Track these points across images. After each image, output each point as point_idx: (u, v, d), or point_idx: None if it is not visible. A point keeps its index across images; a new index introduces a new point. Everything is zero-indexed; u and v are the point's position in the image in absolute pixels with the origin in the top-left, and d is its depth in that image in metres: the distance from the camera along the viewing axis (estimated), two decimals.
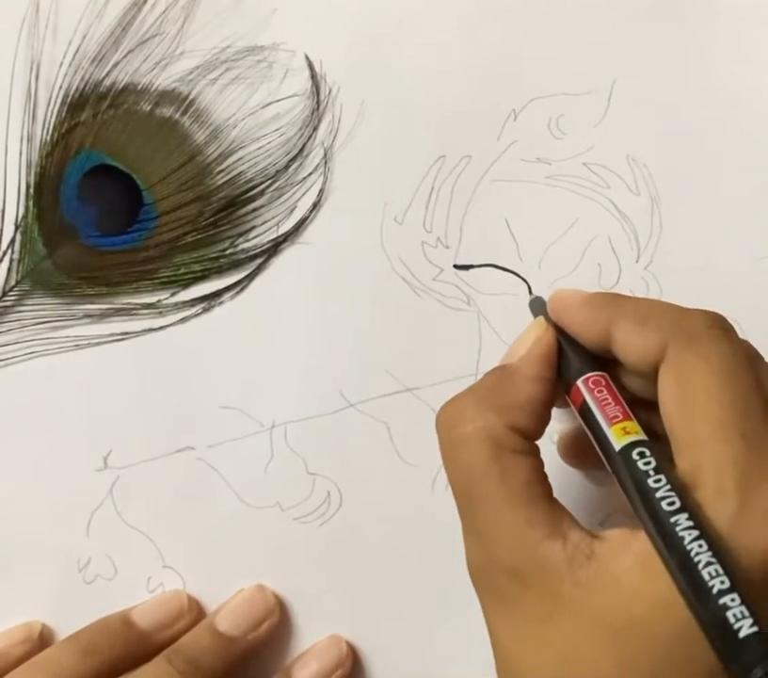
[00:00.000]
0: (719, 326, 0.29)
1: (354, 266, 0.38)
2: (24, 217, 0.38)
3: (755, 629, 0.25)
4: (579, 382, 0.30)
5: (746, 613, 0.25)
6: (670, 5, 0.39)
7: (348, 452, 0.38)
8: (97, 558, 0.38)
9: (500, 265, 0.38)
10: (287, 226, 0.38)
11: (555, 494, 0.29)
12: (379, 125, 0.38)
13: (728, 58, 0.38)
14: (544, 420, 0.31)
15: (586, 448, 0.31)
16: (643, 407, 0.30)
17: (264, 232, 0.38)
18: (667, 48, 0.38)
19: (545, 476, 0.30)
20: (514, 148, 0.38)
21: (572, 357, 0.31)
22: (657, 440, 0.29)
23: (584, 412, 0.30)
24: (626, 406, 0.30)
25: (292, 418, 0.38)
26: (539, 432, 0.31)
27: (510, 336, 0.36)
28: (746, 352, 0.29)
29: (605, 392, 0.30)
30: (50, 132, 0.38)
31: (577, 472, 0.36)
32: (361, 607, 0.38)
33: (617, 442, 0.29)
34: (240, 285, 0.38)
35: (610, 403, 0.30)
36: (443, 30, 0.39)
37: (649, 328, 0.29)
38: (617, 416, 0.29)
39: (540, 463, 0.30)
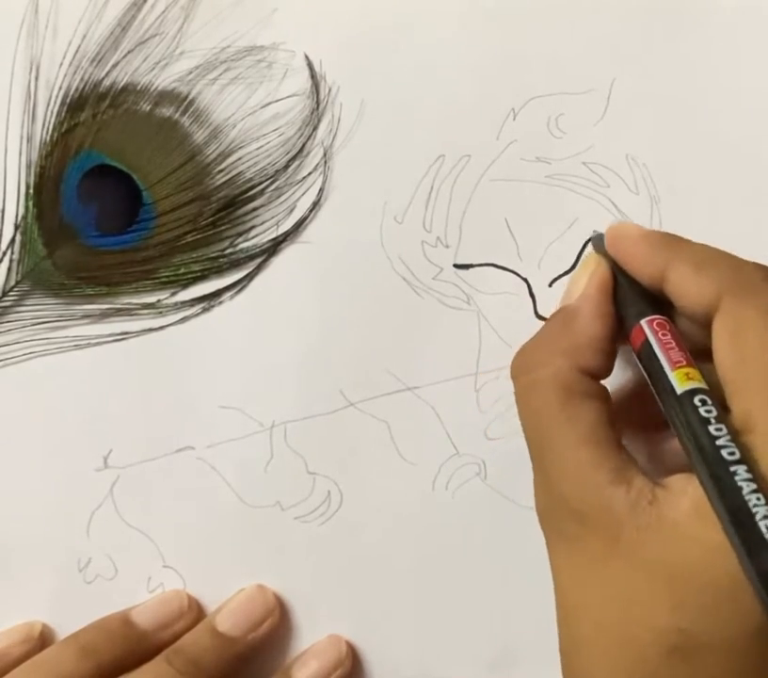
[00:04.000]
0: None
1: (354, 266, 0.38)
2: (24, 217, 0.38)
3: None
4: (643, 323, 0.30)
5: None
6: (670, 4, 0.39)
7: (348, 451, 0.38)
8: (97, 558, 0.38)
9: (500, 264, 0.38)
10: (287, 225, 0.38)
11: None
12: (379, 125, 0.38)
13: (728, 58, 0.38)
14: (611, 356, 0.31)
15: (642, 405, 0.32)
16: (700, 358, 0.30)
17: (264, 231, 0.39)
18: (667, 47, 0.38)
19: (612, 421, 0.30)
20: (513, 147, 0.38)
21: (633, 296, 0.31)
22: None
23: (645, 355, 0.30)
24: (688, 353, 0.29)
25: (292, 418, 0.38)
26: (608, 369, 0.31)
27: (510, 336, 0.36)
28: None
29: (669, 335, 0.30)
30: (50, 132, 0.38)
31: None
32: (361, 607, 0.38)
33: (680, 387, 0.28)
34: (240, 285, 0.38)
35: (674, 347, 0.29)
36: (443, 30, 0.39)
37: (705, 275, 0.29)
38: (681, 361, 0.29)
39: (609, 408, 0.30)
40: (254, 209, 0.39)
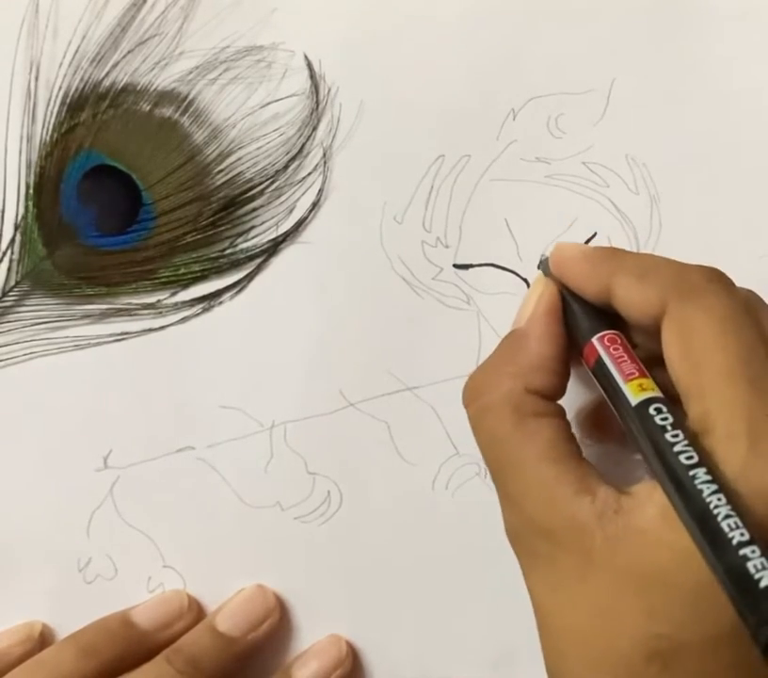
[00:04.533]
0: (718, 280, 0.30)
1: (353, 266, 0.38)
2: (24, 217, 0.38)
3: None
4: (594, 340, 0.30)
5: (766, 564, 0.25)
6: (669, 4, 0.39)
7: (348, 451, 0.38)
8: (97, 558, 0.38)
9: (499, 264, 0.38)
10: (287, 226, 0.38)
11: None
12: (378, 125, 0.38)
13: (728, 57, 0.38)
14: (562, 377, 0.31)
15: (603, 422, 0.32)
16: (654, 366, 0.30)
17: (264, 231, 0.39)
18: (666, 47, 0.38)
19: (571, 436, 0.30)
20: (513, 147, 0.38)
21: (583, 314, 0.31)
22: (670, 399, 0.29)
23: (599, 371, 0.30)
24: (641, 363, 0.30)
25: (292, 418, 0.38)
26: (560, 390, 0.31)
27: None
28: (748, 301, 0.29)
29: (621, 349, 0.30)
30: (49, 132, 0.38)
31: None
32: (361, 607, 0.38)
33: (634, 398, 0.29)
34: (240, 285, 0.38)
35: (626, 360, 0.30)
36: (442, 30, 0.39)
37: (649, 283, 0.29)
38: (633, 373, 0.29)
39: (565, 423, 0.30)
40: (254, 209, 0.39)
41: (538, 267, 0.34)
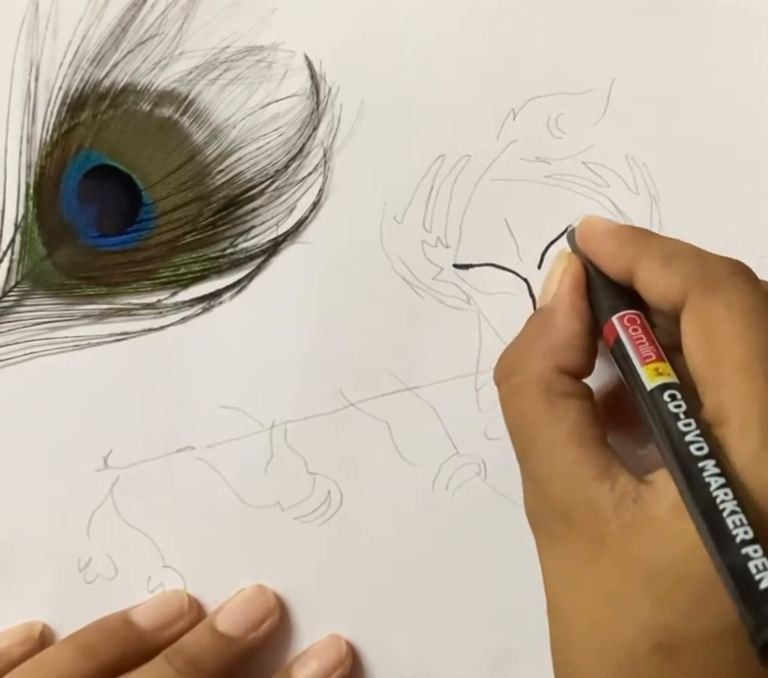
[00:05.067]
0: (741, 272, 0.30)
1: (354, 266, 0.38)
2: (24, 217, 0.38)
3: None
4: (614, 319, 0.30)
5: None
6: (669, 4, 0.39)
7: (349, 451, 0.38)
8: (97, 558, 0.38)
9: (500, 264, 0.38)
10: (287, 226, 0.38)
11: None
12: (379, 125, 0.38)
13: (727, 57, 0.38)
14: (591, 353, 0.31)
15: (623, 403, 0.32)
16: (671, 351, 0.30)
17: (264, 231, 0.39)
18: (666, 47, 0.38)
19: (597, 420, 0.30)
20: (513, 147, 0.38)
21: (605, 291, 0.31)
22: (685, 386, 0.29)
23: (617, 351, 0.30)
24: (659, 347, 0.30)
25: (292, 418, 0.38)
26: (589, 367, 0.31)
27: (510, 335, 0.36)
28: None
29: (640, 330, 0.30)
30: (49, 132, 0.38)
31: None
32: (361, 607, 0.38)
33: (649, 382, 0.29)
34: (240, 285, 0.38)
35: (644, 342, 0.30)
36: (442, 30, 0.39)
37: (672, 270, 0.30)
38: (651, 356, 0.29)
39: (592, 406, 0.30)
40: (254, 209, 0.39)
41: (567, 238, 0.34)
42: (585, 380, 0.32)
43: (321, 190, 0.39)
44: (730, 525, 0.25)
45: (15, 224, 0.38)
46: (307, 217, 0.38)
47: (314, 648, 0.37)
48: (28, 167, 0.38)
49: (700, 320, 0.29)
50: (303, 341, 0.38)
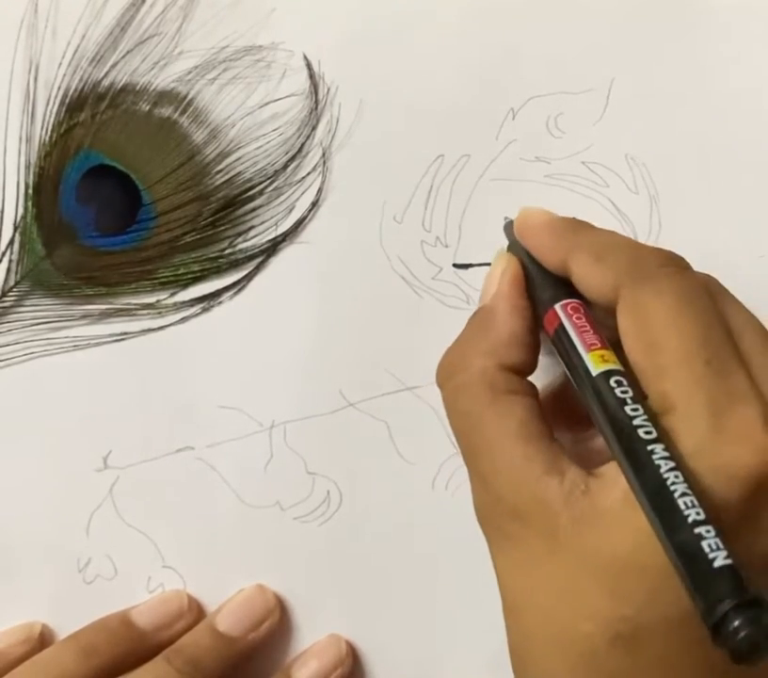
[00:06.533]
0: (672, 262, 0.29)
1: (353, 266, 0.38)
2: (23, 217, 0.38)
3: (729, 561, 0.24)
4: (557, 307, 0.30)
5: (721, 545, 0.24)
6: (669, 4, 0.39)
7: (348, 451, 0.38)
8: (97, 558, 0.38)
9: None
10: (286, 226, 0.38)
11: None
12: (378, 125, 0.38)
13: (726, 57, 0.38)
14: (534, 350, 0.31)
15: (567, 400, 0.32)
16: (613, 347, 0.30)
17: (263, 231, 0.39)
18: (666, 47, 0.38)
19: (542, 416, 0.30)
20: (513, 147, 0.38)
21: (545, 282, 0.31)
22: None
23: (560, 340, 0.30)
24: (603, 336, 0.29)
25: (291, 418, 0.38)
26: (532, 364, 0.31)
27: None
28: (703, 285, 0.29)
29: (583, 319, 0.29)
30: (49, 132, 0.38)
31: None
32: (361, 607, 0.38)
33: (595, 368, 0.28)
34: (239, 285, 0.38)
35: (588, 330, 0.29)
36: (442, 29, 0.39)
37: (605, 264, 0.29)
38: (596, 344, 0.29)
39: (536, 403, 0.30)
40: (253, 209, 0.39)
41: (504, 231, 0.34)
42: (529, 379, 0.31)
43: (320, 190, 0.38)
44: (682, 506, 0.25)
45: (14, 224, 0.38)
46: (306, 217, 0.38)
47: (314, 648, 0.37)
48: (27, 167, 0.38)
49: (634, 312, 0.28)
50: (302, 341, 0.38)
